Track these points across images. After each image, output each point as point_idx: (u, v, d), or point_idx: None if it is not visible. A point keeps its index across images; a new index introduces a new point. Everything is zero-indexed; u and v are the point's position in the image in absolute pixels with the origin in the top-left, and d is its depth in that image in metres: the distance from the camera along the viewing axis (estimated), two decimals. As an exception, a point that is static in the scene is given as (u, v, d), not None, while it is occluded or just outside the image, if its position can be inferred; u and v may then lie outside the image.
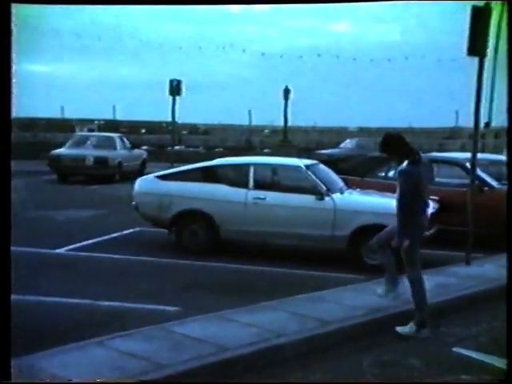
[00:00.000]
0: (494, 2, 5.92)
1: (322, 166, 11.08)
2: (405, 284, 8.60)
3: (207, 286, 8.69)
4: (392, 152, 7.28)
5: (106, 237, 12.04)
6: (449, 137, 56.78)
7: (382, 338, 6.82)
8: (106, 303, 7.62)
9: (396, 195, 7.16)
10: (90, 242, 11.51)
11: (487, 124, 34.38)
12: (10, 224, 4.85)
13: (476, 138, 10.30)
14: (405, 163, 7.11)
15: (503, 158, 16.39)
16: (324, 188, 10.19)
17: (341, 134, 52.00)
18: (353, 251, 10.21)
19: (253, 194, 10.62)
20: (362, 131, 63.84)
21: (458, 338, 6.99)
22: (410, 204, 7.03)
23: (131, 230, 12.70)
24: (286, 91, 38.08)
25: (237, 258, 10.30)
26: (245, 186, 10.67)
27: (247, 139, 46.69)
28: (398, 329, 7.03)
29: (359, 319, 7.05)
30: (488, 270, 9.82)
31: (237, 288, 8.62)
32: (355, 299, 7.78)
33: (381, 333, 6.92)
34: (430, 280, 8.94)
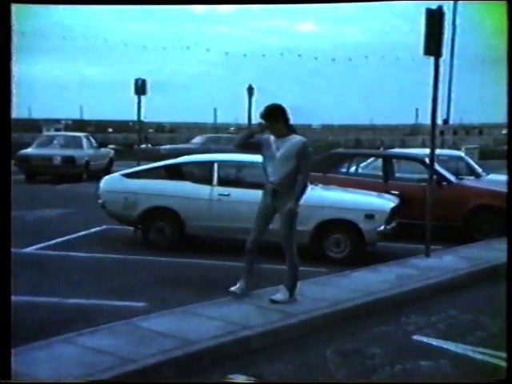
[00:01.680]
0: (493, 2, 6.11)
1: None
2: (366, 277, 8.89)
3: (173, 282, 8.82)
4: (276, 122, 7.44)
5: (74, 235, 12.10)
6: (410, 133, 57.58)
7: (343, 328, 7.01)
8: (73, 301, 7.70)
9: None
10: (59, 240, 11.56)
11: (445, 121, 35.00)
12: (10, 224, 4.90)
13: (433, 134, 10.58)
14: (297, 136, 7.50)
15: (461, 153, 16.79)
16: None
17: (304, 130, 52.34)
18: (315, 245, 10.41)
19: (217, 190, 10.78)
20: (325, 128, 64.49)
21: (417, 327, 7.19)
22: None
23: (98, 228, 12.77)
24: (250, 89, 38.33)
25: (202, 253, 10.45)
26: (209, 182, 10.81)
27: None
28: (273, 297, 7.42)
29: (321, 311, 7.22)
30: (447, 261, 10.10)
31: (202, 283, 8.76)
32: (318, 292, 7.96)
33: (342, 324, 7.11)
34: (391, 272, 9.25)
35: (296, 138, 7.49)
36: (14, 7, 4.91)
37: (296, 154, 7.41)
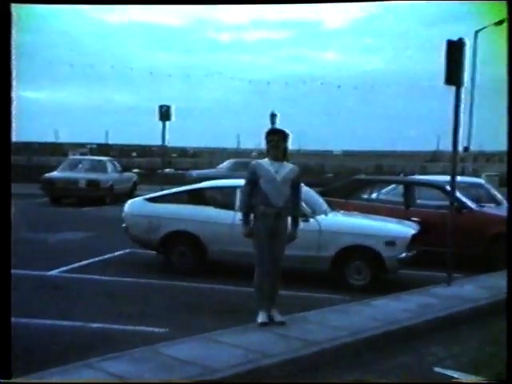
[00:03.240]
0: (494, 2, 6.18)
1: (306, 188, 11.31)
2: (387, 306, 8.88)
3: (195, 307, 8.88)
4: (283, 145, 7.63)
5: (98, 258, 12.23)
6: (430, 160, 57.48)
7: (363, 358, 6.99)
8: (96, 325, 7.79)
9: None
10: (82, 263, 11.69)
11: (466, 148, 35.00)
12: (10, 234, 4.98)
13: (454, 161, 10.60)
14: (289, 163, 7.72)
15: (481, 181, 16.75)
16: (309, 210, 10.42)
17: (326, 157, 52.53)
18: (337, 272, 10.45)
19: (239, 215, 10.84)
20: (346, 154, 64.55)
21: (438, 358, 7.15)
22: None
23: (122, 252, 12.89)
24: (273, 116, 38.52)
25: (224, 278, 10.50)
26: (232, 207, 10.88)
27: (236, 162, 46.97)
28: (281, 319, 7.64)
29: (342, 340, 7.23)
30: (468, 291, 10.05)
31: (224, 309, 8.81)
32: (339, 320, 7.98)
33: (363, 353, 7.09)
34: (412, 300, 9.22)
35: (291, 165, 7.71)
36: (15, 8, 5.02)
37: (293, 180, 7.61)
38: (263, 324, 7.52)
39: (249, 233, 7.66)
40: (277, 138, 7.63)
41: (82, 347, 6.88)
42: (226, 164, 34.26)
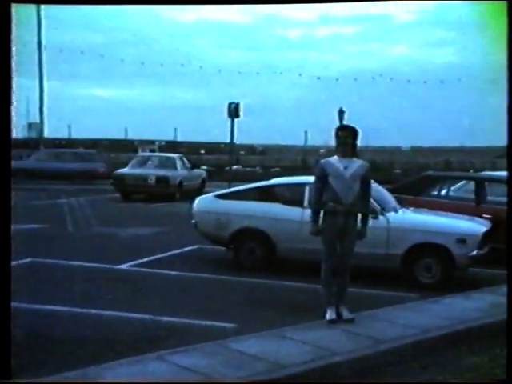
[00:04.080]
0: (493, 2, 6.01)
1: (375, 185, 11.21)
2: (458, 304, 8.72)
3: (263, 303, 8.92)
4: (352, 141, 7.61)
5: (167, 253, 12.41)
6: (501, 155, 56.15)
7: (434, 358, 6.90)
8: (166, 318, 7.90)
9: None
10: (152, 258, 11.87)
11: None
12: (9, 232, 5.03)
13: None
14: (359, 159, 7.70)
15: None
16: (378, 207, 10.33)
17: (394, 153, 51.90)
18: (406, 269, 10.33)
19: (308, 212, 10.83)
20: (414, 150, 63.67)
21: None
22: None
23: (191, 248, 13.04)
24: (341, 112, 38.37)
25: (292, 275, 10.51)
26: (300, 204, 10.86)
27: (303, 159, 47.02)
28: (349, 316, 7.60)
29: (412, 338, 7.14)
30: (543, 290, 9.79)
31: (292, 305, 8.83)
32: (408, 318, 7.90)
33: (433, 353, 7.00)
34: (483, 299, 9.06)
35: (360, 161, 7.66)
36: (14, 7, 5.02)
37: (363, 176, 7.57)
38: (332, 321, 7.50)
39: (318, 231, 7.64)
40: (346, 134, 7.60)
41: (152, 340, 7.00)
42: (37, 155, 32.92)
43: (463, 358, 6.93)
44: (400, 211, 10.86)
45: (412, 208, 11.46)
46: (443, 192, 14.07)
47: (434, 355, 6.95)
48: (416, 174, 16.15)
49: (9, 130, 5.04)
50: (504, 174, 16.02)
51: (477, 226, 10.66)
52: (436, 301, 8.90)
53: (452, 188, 14.44)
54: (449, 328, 7.61)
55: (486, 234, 10.46)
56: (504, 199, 13.00)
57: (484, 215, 11.96)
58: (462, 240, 10.13)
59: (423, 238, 10.31)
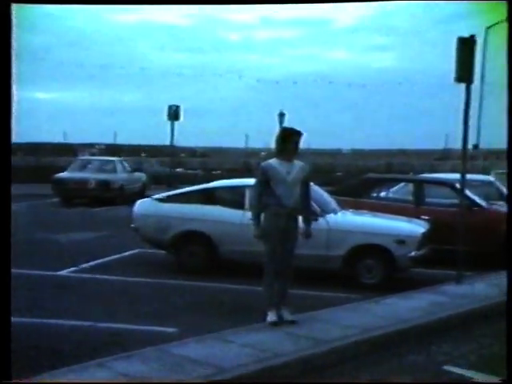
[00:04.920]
0: (494, 2, 6.16)
1: (315, 187, 11.29)
2: (397, 304, 8.86)
3: (205, 307, 8.89)
4: (289, 145, 7.61)
5: (107, 258, 12.27)
6: (439, 158, 57.46)
7: (373, 357, 6.98)
8: (107, 325, 7.79)
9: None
10: (93, 263, 11.72)
11: (476, 146, 34.94)
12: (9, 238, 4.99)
13: (464, 159, 10.58)
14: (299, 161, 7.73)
15: (491, 178, 16.69)
16: (318, 209, 10.41)
17: (335, 155, 52.49)
18: (348, 270, 10.43)
19: (249, 214, 10.84)
20: (355, 153, 64.56)
21: (448, 356, 7.13)
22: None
23: (131, 252, 12.92)
24: (281, 115, 38.64)
25: (234, 278, 10.50)
26: (241, 207, 10.86)
27: (244, 161, 47.13)
28: (291, 318, 7.63)
29: (352, 339, 7.21)
30: (478, 289, 10.03)
31: (234, 308, 8.82)
32: (349, 318, 7.97)
33: (373, 352, 7.07)
34: (422, 299, 9.22)
35: (300, 163, 7.71)
36: (15, 8, 5.02)
37: (303, 178, 7.64)
38: (273, 323, 7.52)
39: (260, 234, 7.65)
40: (286, 136, 7.64)
41: (92, 347, 6.89)
42: None
43: (402, 357, 7.04)
44: (340, 213, 10.97)
45: (352, 210, 11.58)
46: (383, 194, 14.29)
47: (374, 354, 7.04)
48: (357, 177, 16.33)
49: (9, 132, 5.04)
50: (442, 176, 16.37)
51: (415, 228, 10.83)
52: (377, 301, 9.02)
53: (391, 190, 14.67)
54: (388, 327, 7.71)
55: (424, 234, 10.64)
56: (442, 201, 13.33)
57: (423, 216, 12.17)
58: (401, 241, 10.29)
59: (363, 239, 10.44)
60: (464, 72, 9.59)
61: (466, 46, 9.53)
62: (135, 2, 6.13)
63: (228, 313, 8.55)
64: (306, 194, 7.71)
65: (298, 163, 7.66)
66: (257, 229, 7.66)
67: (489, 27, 35.77)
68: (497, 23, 35.25)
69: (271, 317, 7.57)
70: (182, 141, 41.53)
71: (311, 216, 8.17)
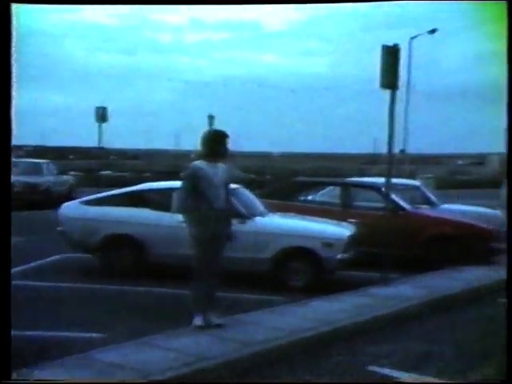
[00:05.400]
0: (494, 2, 6.25)
1: (243, 190, 11.33)
2: (323, 306, 8.94)
3: (132, 311, 8.77)
4: (215, 147, 7.62)
5: (32, 264, 11.95)
6: (368, 162, 58.51)
7: (299, 359, 7.01)
8: (29, 333, 7.58)
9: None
10: (16, 269, 11.40)
11: (402, 151, 35.73)
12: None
13: (390, 163, 10.79)
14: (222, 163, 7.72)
15: (416, 183, 17.07)
16: (245, 211, 10.43)
17: (264, 158, 52.77)
18: (275, 273, 10.47)
19: (177, 217, 10.77)
20: (285, 156, 65.10)
21: (373, 357, 7.22)
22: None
23: (57, 257, 12.64)
24: (211, 117, 38.60)
25: (162, 281, 10.38)
26: (170, 209, 10.75)
27: (175, 163, 46.91)
28: (218, 322, 7.60)
29: (278, 341, 7.24)
30: (404, 291, 10.20)
31: (161, 312, 8.73)
32: (276, 321, 8.00)
33: (298, 354, 7.11)
34: (348, 301, 9.33)
35: (223, 165, 7.73)
36: (15, 8, 5.02)
37: (227, 180, 7.71)
38: (200, 327, 7.48)
39: (192, 235, 7.58)
40: (213, 138, 7.65)
41: (15, 356, 6.71)
42: None
43: (328, 358, 7.10)
44: (268, 216, 11.01)
45: (280, 213, 11.62)
46: (311, 197, 14.42)
47: (301, 356, 7.08)
48: (285, 180, 16.45)
49: (9, 132, 5.07)
50: (369, 180, 16.62)
51: (342, 230, 10.95)
52: (303, 303, 9.08)
53: (319, 193, 14.81)
54: (315, 329, 7.77)
55: (351, 237, 10.77)
56: (369, 204, 13.54)
57: (350, 220, 12.32)
58: (328, 244, 10.38)
59: (291, 242, 10.50)
60: (388, 78, 9.86)
61: (389, 54, 9.81)
62: (134, 2, 6.09)
63: (155, 317, 8.46)
64: (228, 195, 7.73)
65: (221, 165, 7.66)
66: (190, 230, 7.60)
67: (413, 37, 37.04)
68: (420, 34, 36.40)
69: (198, 320, 7.53)
70: (112, 143, 41.02)
71: (238, 219, 8.19)
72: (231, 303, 8.77)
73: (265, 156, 57.77)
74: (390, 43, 9.95)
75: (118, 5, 6.19)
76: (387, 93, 10.23)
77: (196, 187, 7.47)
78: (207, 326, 7.50)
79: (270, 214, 11.23)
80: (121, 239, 11.03)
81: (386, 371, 6.79)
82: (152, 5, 6.01)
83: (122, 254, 10.98)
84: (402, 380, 6.59)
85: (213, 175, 7.49)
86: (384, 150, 11.21)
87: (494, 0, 6.18)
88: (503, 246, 13.68)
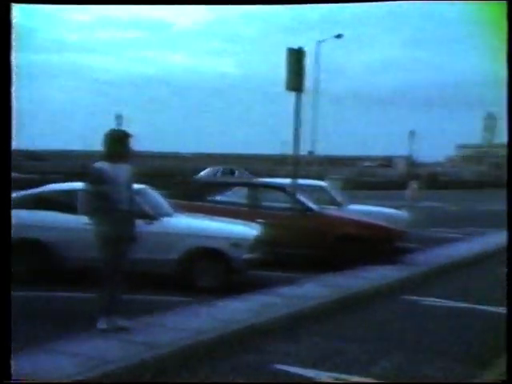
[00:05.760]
0: (494, 2, 6.30)
1: (149, 191, 11.22)
2: (230, 306, 8.96)
3: (35, 317, 8.52)
4: (118, 148, 7.55)
5: None
6: (277, 163, 59.15)
7: (205, 359, 7.00)
8: None
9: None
10: None
11: (310, 152, 36.33)
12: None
13: (296, 165, 10.94)
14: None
15: (323, 183, 17.34)
16: (152, 212, 10.34)
17: (173, 158, 52.54)
18: (183, 274, 10.42)
19: (83, 219, 10.57)
20: (194, 156, 65.02)
21: (280, 355, 7.28)
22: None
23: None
24: (118, 117, 38.21)
25: (67, 285, 10.16)
26: (75, 211, 10.53)
27: (83, 164, 46.05)
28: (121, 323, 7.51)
29: (183, 342, 7.19)
30: (311, 290, 10.35)
31: (66, 317, 8.51)
32: (183, 322, 7.97)
33: (204, 355, 7.11)
34: (256, 300, 9.41)
35: (127, 165, 7.64)
36: (15, 8, 5.06)
37: (131, 181, 7.66)
38: (105, 329, 7.38)
39: (98, 237, 7.47)
40: (116, 138, 7.55)
41: None
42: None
43: (236, 357, 7.12)
44: (175, 216, 10.95)
45: (187, 213, 11.58)
46: (219, 197, 14.42)
47: (209, 356, 7.07)
48: (193, 180, 16.42)
49: (9, 132, 5.14)
50: (277, 180, 16.76)
51: (250, 231, 11.00)
52: (211, 304, 9.06)
53: (227, 193, 14.83)
54: (222, 329, 7.78)
55: (259, 237, 10.83)
56: (277, 205, 13.66)
57: (257, 220, 12.39)
58: (235, 244, 10.41)
59: (198, 242, 10.47)
60: (294, 81, 9.99)
61: (295, 57, 9.93)
62: (134, 2, 5.97)
63: (59, 322, 8.23)
64: (132, 195, 7.67)
65: (125, 165, 7.57)
66: (95, 231, 7.48)
67: (320, 41, 37.69)
68: (328, 39, 37.05)
69: (102, 323, 7.42)
70: (18, 144, 39.90)
71: (144, 219, 8.12)
72: (138, 305, 8.68)
73: (174, 156, 57.42)
74: (296, 46, 10.06)
75: (118, 5, 6.16)
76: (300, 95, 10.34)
77: (99, 188, 7.37)
78: (113, 329, 7.40)
79: (178, 214, 11.17)
80: (25, 243, 10.69)
81: (293, 369, 6.85)
82: (152, 5, 5.99)
83: (28, 259, 10.63)
84: (318, 380, 6.65)
85: (115, 176, 7.39)
86: (296, 151, 11.35)
87: (494, 0, 6.28)
88: (407, 245, 14.13)
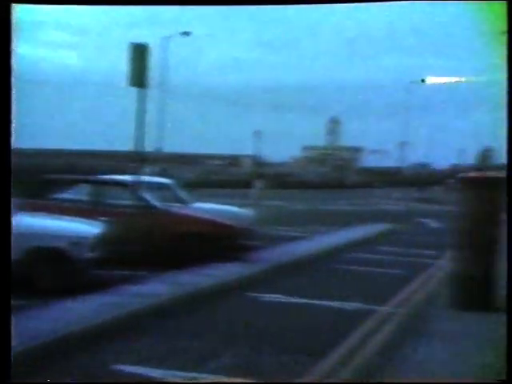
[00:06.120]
0: (494, 2, 6.26)
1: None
2: (68, 307, 8.75)
3: None
4: None
5: None
6: (129, 161, 58.54)
7: (44, 362, 6.85)
8: None
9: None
10: None
11: (158, 149, 36.24)
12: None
13: (141, 162, 10.87)
14: None
15: (168, 181, 17.33)
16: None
17: (13, 154, 50.60)
18: (23, 275, 9.95)
19: None
20: (36, 153, 62.95)
21: (117, 355, 7.17)
22: None
23: None
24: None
25: None
26: None
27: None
28: None
29: (20, 347, 6.86)
30: (154, 287, 10.33)
31: None
32: (19, 326, 7.57)
33: (42, 357, 6.95)
34: (96, 300, 9.23)
35: None
36: (15, 8, 5.07)
37: None
38: None
39: None
40: None
41: None
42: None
43: (69, 359, 6.96)
44: (13, 216, 10.52)
45: (28, 212, 11.19)
46: (62, 195, 14.05)
47: (44, 360, 6.88)
48: (34, 178, 15.86)
49: (9, 133, 5.08)
50: (119, 177, 16.49)
51: (91, 229, 10.79)
52: (51, 305, 8.78)
53: (70, 191, 14.47)
54: (59, 331, 7.57)
55: (100, 236, 10.64)
56: (120, 202, 13.49)
57: (100, 218, 12.18)
58: (75, 243, 10.18)
59: (37, 241, 10.15)
60: (136, 77, 9.89)
61: (137, 52, 9.84)
62: (135, 3, 5.88)
63: None
64: None
65: None
66: None
67: (166, 38, 37.75)
68: (173, 35, 37.12)
69: None
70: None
71: None
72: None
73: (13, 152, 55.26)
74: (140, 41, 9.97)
75: (118, 5, 5.89)
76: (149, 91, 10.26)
77: None
78: None
79: (16, 213, 10.76)
80: None
81: (132, 369, 6.78)
82: (152, 5, 5.77)
83: None
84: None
85: None
86: (141, 148, 11.24)
87: (494, 0, 6.34)
88: (251, 243, 14.41)
